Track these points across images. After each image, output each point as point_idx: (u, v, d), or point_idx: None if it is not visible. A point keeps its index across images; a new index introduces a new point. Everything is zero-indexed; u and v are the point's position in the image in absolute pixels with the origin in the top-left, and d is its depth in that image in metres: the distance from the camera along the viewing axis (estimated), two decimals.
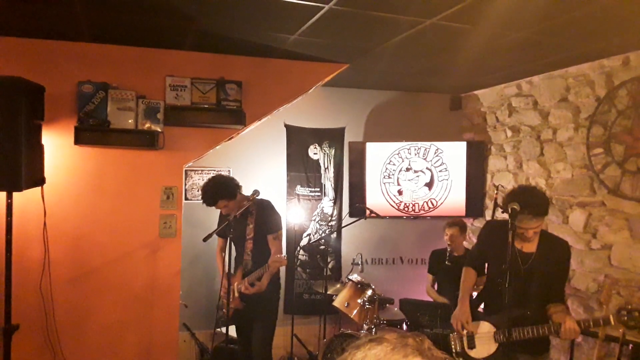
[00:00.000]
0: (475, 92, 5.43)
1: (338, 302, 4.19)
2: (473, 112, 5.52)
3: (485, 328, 2.99)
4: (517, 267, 2.78)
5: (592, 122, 3.97)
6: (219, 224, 3.92)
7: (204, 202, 3.65)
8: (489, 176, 5.32)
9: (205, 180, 4.63)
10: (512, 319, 2.69)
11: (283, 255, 3.62)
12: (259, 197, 3.68)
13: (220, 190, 3.60)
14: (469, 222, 5.40)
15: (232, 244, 3.69)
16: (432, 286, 4.81)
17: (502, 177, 5.08)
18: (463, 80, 4.91)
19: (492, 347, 2.93)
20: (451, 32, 3.14)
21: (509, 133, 4.96)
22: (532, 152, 4.64)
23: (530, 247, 2.85)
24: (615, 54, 3.72)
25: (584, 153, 4.05)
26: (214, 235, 3.48)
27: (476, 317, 3.04)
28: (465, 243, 4.82)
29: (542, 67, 4.25)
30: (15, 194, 3.14)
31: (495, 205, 4.53)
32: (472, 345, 2.98)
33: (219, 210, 3.83)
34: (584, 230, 4.06)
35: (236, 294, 3.73)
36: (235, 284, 3.75)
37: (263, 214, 3.72)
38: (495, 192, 4.64)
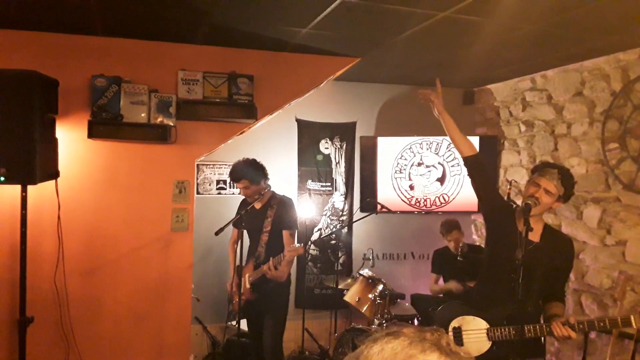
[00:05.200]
0: (489, 86, 5.38)
1: (349, 297, 4.19)
2: (486, 106, 5.47)
3: (477, 324, 2.69)
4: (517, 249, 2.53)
5: (607, 116, 3.92)
6: (238, 213, 3.97)
7: (229, 175, 3.88)
8: (502, 171, 5.27)
9: (216, 174, 4.78)
10: (510, 314, 2.52)
11: (299, 244, 3.65)
12: (281, 194, 3.91)
13: (248, 171, 3.76)
14: (480, 218, 5.36)
15: (247, 236, 3.75)
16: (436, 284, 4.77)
17: (515, 172, 5.04)
18: (476, 74, 4.86)
19: (483, 346, 2.63)
20: (464, 25, 3.11)
21: (523, 128, 4.91)
22: (546, 147, 4.59)
23: (534, 236, 2.66)
24: (632, 48, 3.66)
25: (598, 148, 4.00)
26: (226, 228, 3.51)
27: (469, 311, 2.76)
28: (475, 237, 4.79)
29: (556, 61, 4.20)
30: (29, 187, 3.17)
31: (509, 200, 4.48)
32: (459, 342, 2.64)
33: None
34: (599, 226, 4.01)
35: (247, 285, 3.77)
36: (247, 275, 3.78)
37: (283, 210, 3.81)
38: (509, 187, 4.60)
